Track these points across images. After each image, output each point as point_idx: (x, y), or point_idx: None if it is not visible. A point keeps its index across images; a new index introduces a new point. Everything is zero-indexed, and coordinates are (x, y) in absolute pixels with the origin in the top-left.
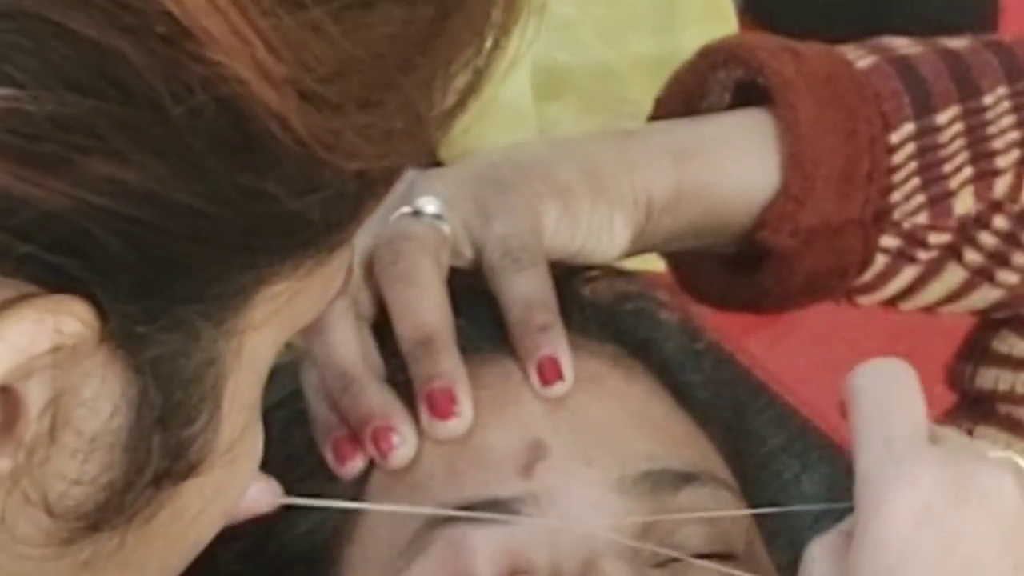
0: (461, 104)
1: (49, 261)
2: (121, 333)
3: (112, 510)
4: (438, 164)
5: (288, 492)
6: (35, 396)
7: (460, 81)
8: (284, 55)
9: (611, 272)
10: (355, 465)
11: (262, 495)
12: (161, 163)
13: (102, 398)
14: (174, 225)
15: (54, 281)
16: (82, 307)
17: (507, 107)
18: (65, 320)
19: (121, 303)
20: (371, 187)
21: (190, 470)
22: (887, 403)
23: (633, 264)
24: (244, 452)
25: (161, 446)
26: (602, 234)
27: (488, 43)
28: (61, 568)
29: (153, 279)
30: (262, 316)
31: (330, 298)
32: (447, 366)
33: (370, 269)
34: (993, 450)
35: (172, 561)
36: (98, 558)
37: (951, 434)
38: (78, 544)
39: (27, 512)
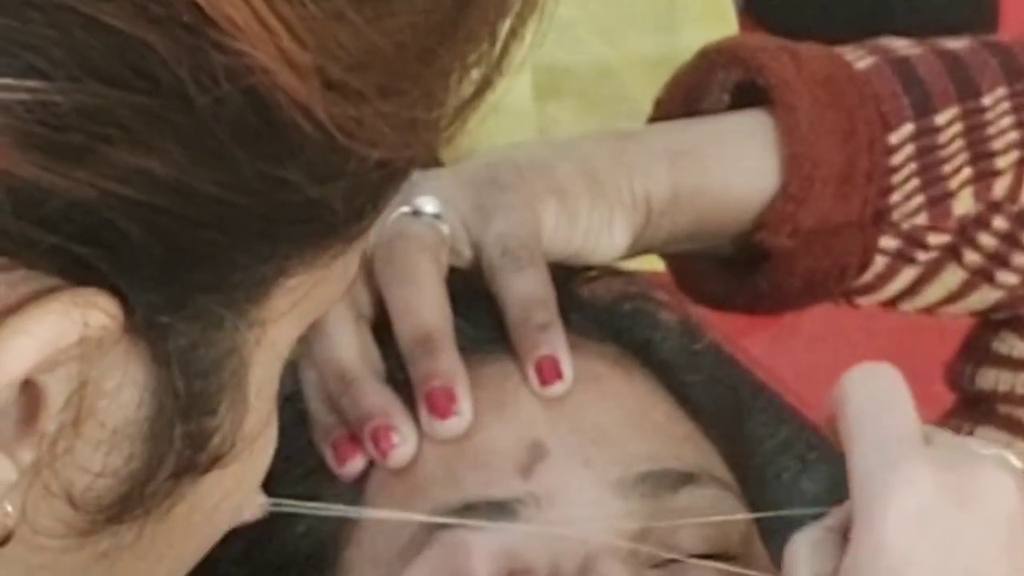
0: (478, 95)
1: (74, 252)
2: (145, 324)
3: (133, 502)
4: (438, 164)
5: (287, 493)
6: (58, 388)
7: (476, 72)
8: (308, 43)
9: (610, 272)
10: (355, 465)
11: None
12: (186, 152)
13: (125, 389)
14: (198, 214)
15: (79, 273)
16: (107, 299)
17: (507, 107)
18: (91, 313)
19: (145, 294)
20: (391, 177)
21: (213, 462)
22: (878, 406)
23: (633, 264)
24: (264, 444)
25: (183, 437)
26: (601, 234)
27: (504, 34)
28: (79, 559)
29: (176, 269)
30: (282, 306)
31: (346, 288)
32: (446, 365)
33: (369, 268)
34: (986, 447)
35: (188, 552)
36: (116, 549)
37: (943, 435)
38: (97, 535)
39: (48, 504)
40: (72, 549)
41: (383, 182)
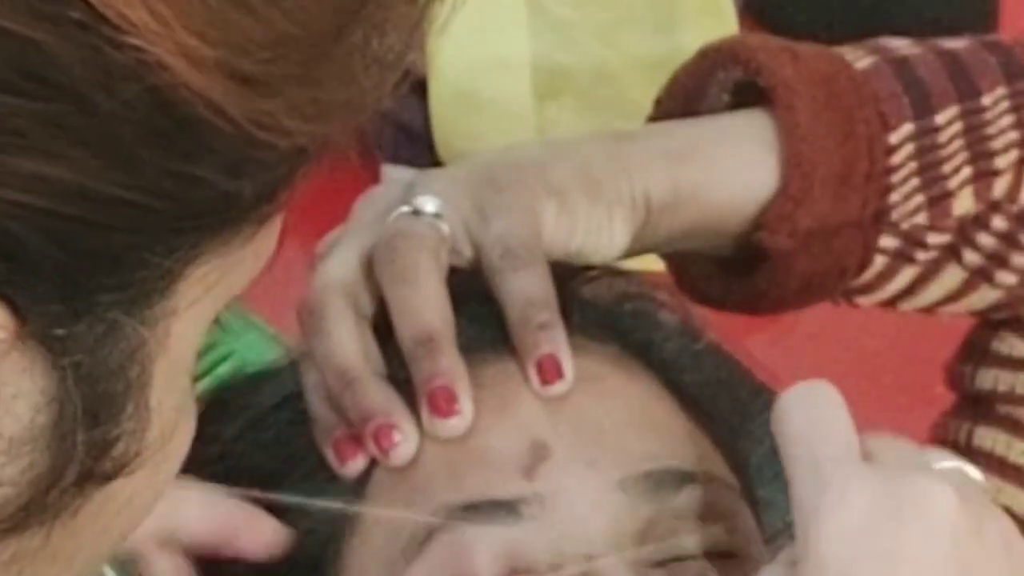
0: (397, 62)
1: None
2: (40, 333)
3: (35, 509)
4: (437, 164)
5: (289, 491)
6: None
7: (395, 39)
8: (210, 36)
9: (611, 272)
10: (356, 464)
11: (264, 537)
12: (87, 156)
13: (20, 398)
14: (104, 218)
15: None
16: None
17: (507, 107)
18: None
19: (41, 302)
20: (305, 157)
21: (118, 469)
22: (811, 426)
23: (633, 264)
24: (179, 439)
25: (85, 443)
26: (601, 234)
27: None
28: None
29: (78, 275)
30: (190, 297)
31: (262, 265)
32: (447, 365)
33: (370, 268)
34: (941, 460)
35: (102, 551)
36: (23, 555)
37: (895, 445)
38: (1, 544)
39: None
40: None
41: (296, 164)
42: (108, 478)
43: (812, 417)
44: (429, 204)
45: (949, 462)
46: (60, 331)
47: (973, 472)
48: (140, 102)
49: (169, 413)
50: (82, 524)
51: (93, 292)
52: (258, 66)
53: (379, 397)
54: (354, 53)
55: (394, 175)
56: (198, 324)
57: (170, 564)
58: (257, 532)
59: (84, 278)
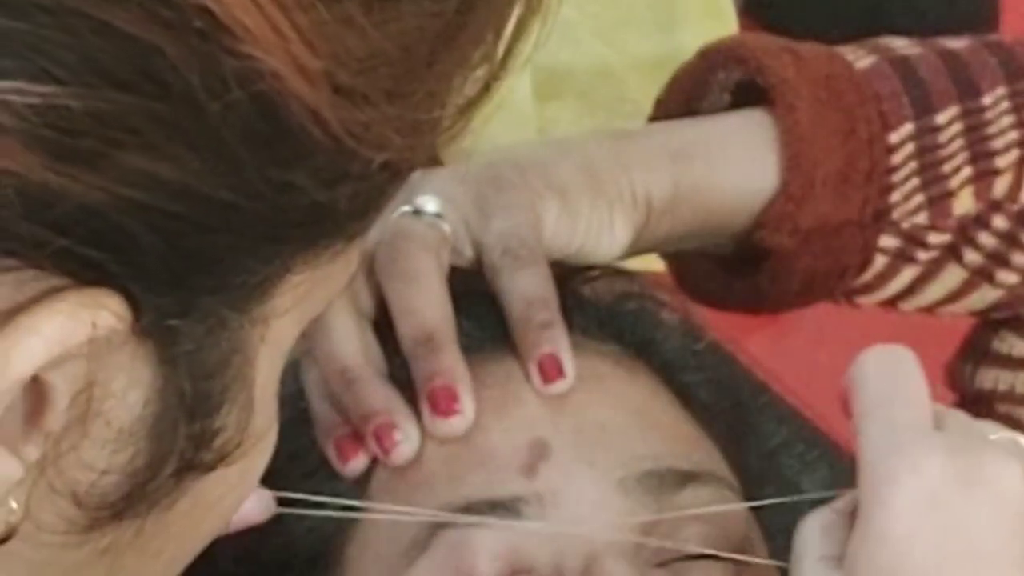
0: (481, 95)
1: (84, 255)
2: (152, 326)
3: (136, 499)
4: (439, 163)
5: (290, 491)
6: (64, 387)
7: (480, 72)
8: (319, 49)
9: (612, 272)
10: (357, 463)
11: (255, 505)
12: (195, 157)
13: (131, 389)
14: (206, 218)
15: (88, 275)
16: (115, 300)
17: (507, 107)
18: (99, 314)
19: (153, 297)
20: (395, 177)
21: (218, 460)
22: (890, 390)
23: (633, 264)
24: (267, 441)
25: (187, 436)
26: (602, 234)
27: (508, 34)
28: (81, 555)
29: (183, 271)
30: (285, 304)
31: (346, 283)
32: (448, 364)
33: (371, 267)
34: (996, 430)
35: (189, 545)
36: (117, 545)
37: (956, 415)
38: (99, 532)
39: (51, 500)
40: (74, 545)
41: (386, 182)
42: (208, 469)
43: (891, 380)
44: (430, 203)
45: (1004, 432)
46: (172, 321)
47: None
48: (247, 108)
49: (264, 416)
50: (175, 518)
51: (198, 290)
52: (357, 79)
53: (380, 396)
54: (444, 79)
55: None
56: (289, 332)
57: None
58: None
59: (190, 276)
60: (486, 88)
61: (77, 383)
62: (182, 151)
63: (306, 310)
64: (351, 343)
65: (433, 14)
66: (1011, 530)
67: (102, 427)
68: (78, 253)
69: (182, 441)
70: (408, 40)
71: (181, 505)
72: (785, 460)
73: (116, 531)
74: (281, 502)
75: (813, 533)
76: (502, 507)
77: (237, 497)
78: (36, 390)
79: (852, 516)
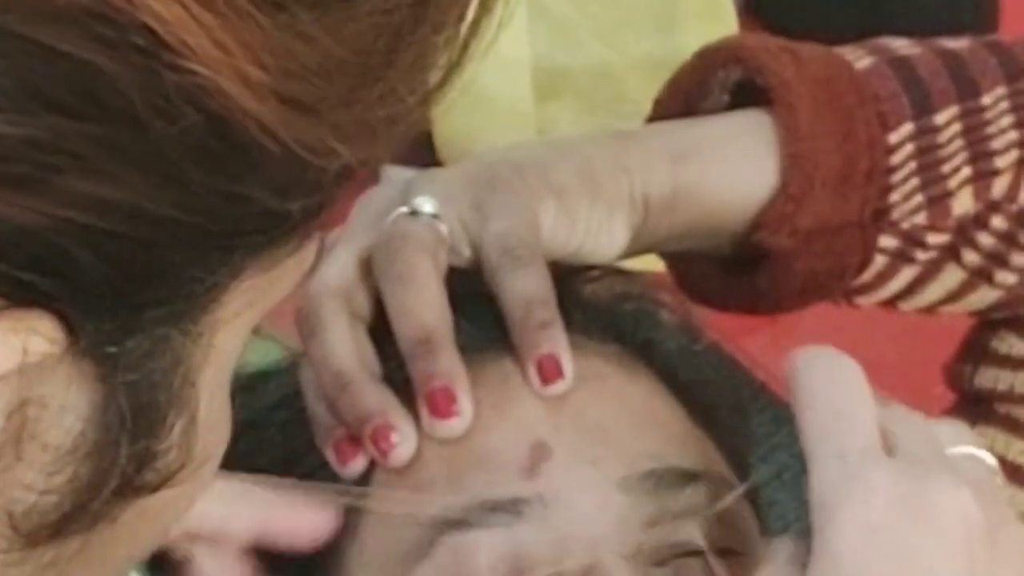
0: (444, 82)
1: (19, 278)
2: (90, 348)
3: (76, 518)
4: (437, 164)
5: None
6: None
7: (441, 58)
8: (266, 62)
9: (611, 272)
10: (357, 465)
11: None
12: (141, 177)
13: (67, 410)
14: (152, 236)
15: (22, 297)
16: (49, 323)
17: (507, 107)
18: (31, 339)
19: (91, 318)
20: (350, 176)
21: (163, 480)
22: (836, 411)
23: (633, 264)
24: (216, 447)
25: (129, 455)
26: (600, 234)
27: (470, 16)
28: (24, 572)
29: (126, 290)
30: (233, 309)
31: (297, 280)
32: (446, 365)
33: (366, 269)
34: (955, 442)
35: (136, 554)
36: (61, 560)
37: (907, 424)
38: (40, 549)
39: None
40: (15, 563)
41: (340, 182)
42: (152, 490)
43: (838, 397)
44: (427, 204)
45: (963, 447)
46: (111, 347)
47: (987, 457)
48: (195, 126)
49: (213, 424)
50: (120, 530)
51: (141, 307)
52: (309, 91)
53: (374, 399)
54: (404, 73)
55: (393, 175)
56: (238, 335)
57: (218, 563)
58: (302, 521)
59: (133, 294)
60: (449, 74)
61: (9, 405)
62: (126, 171)
63: (256, 311)
64: (345, 346)
65: (389, 10)
66: (960, 560)
67: (38, 449)
68: (11, 275)
69: (123, 461)
70: (363, 42)
71: (126, 517)
72: (784, 460)
73: (58, 546)
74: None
75: (779, 564)
76: (503, 508)
77: (186, 502)
78: None
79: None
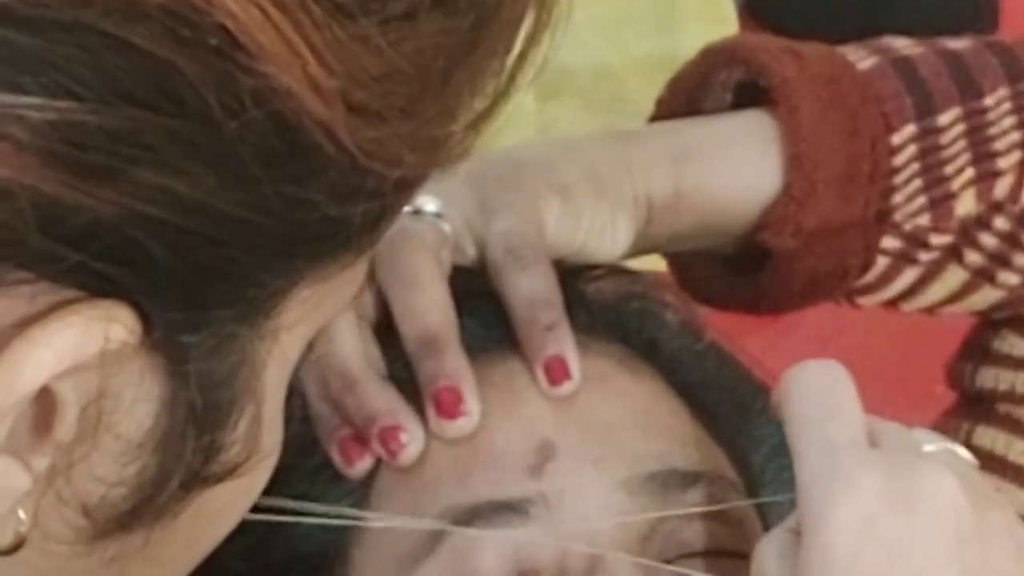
0: (492, 108)
1: (97, 269)
2: (163, 339)
3: (143, 511)
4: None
5: (293, 493)
6: (74, 399)
7: (491, 85)
8: (334, 67)
9: (616, 272)
10: (363, 465)
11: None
12: (210, 173)
13: (141, 401)
14: (219, 234)
15: (100, 288)
16: (127, 314)
17: (507, 107)
18: (111, 327)
19: (164, 310)
20: (407, 191)
21: (227, 472)
22: (824, 407)
23: (635, 265)
24: (274, 452)
25: (195, 448)
26: (604, 233)
27: (518, 48)
28: (87, 565)
29: (195, 285)
30: (294, 317)
31: (355, 295)
32: (452, 365)
33: (371, 269)
34: (932, 441)
35: (194, 553)
36: (123, 554)
37: (890, 430)
38: (106, 542)
39: (59, 511)
40: (81, 555)
41: (399, 196)
42: (217, 481)
43: (824, 398)
44: (430, 203)
45: (938, 443)
46: (184, 338)
47: (962, 452)
48: (262, 126)
49: (275, 423)
50: (180, 528)
51: (209, 304)
52: (371, 97)
53: (382, 399)
54: (457, 94)
55: None
56: (295, 346)
57: None
58: None
59: (202, 290)
60: (495, 102)
61: (87, 395)
62: (197, 168)
63: (312, 323)
64: (351, 345)
65: (448, 31)
66: (951, 547)
67: (111, 439)
68: (91, 267)
69: (190, 454)
70: (423, 58)
71: (187, 515)
72: (785, 460)
73: (122, 541)
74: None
75: (771, 558)
76: (509, 508)
77: (242, 506)
78: (46, 401)
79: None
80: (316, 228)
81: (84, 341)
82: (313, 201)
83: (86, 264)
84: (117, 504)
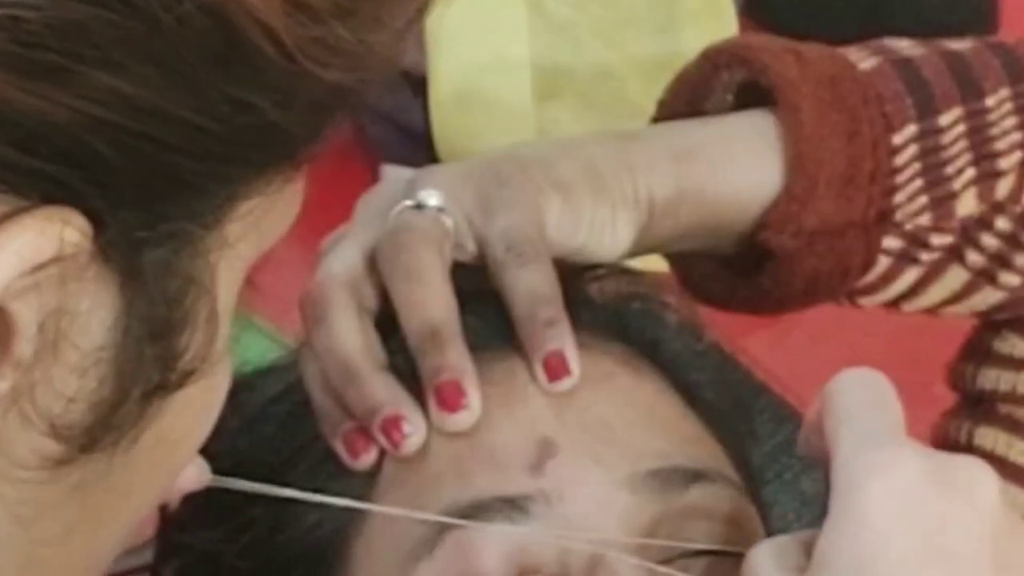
0: (418, 15)
1: (50, 173)
2: (116, 245)
3: (104, 428)
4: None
5: (294, 486)
6: (30, 314)
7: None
8: None
9: (617, 271)
10: (368, 458)
11: (192, 472)
12: (157, 74)
13: (95, 312)
14: (167, 136)
15: (54, 193)
16: (80, 217)
17: (507, 107)
18: (66, 230)
19: (118, 213)
20: (341, 100)
21: (183, 379)
22: (867, 405)
23: (636, 264)
24: (222, 374)
25: (152, 357)
26: (604, 232)
27: None
28: (54, 492)
29: (146, 189)
30: (235, 233)
31: (290, 223)
32: (454, 359)
33: (373, 263)
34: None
35: (154, 484)
36: (87, 482)
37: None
38: (69, 466)
39: (23, 433)
40: (47, 481)
41: (333, 105)
42: (175, 388)
43: (867, 397)
44: (432, 198)
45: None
46: (135, 239)
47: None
48: (202, 23)
49: (223, 337)
50: (141, 454)
51: (159, 212)
52: None
53: (384, 390)
54: (382, 4)
55: (394, 175)
56: (237, 269)
57: None
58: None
59: (151, 195)
60: (416, 16)
61: (44, 309)
62: (143, 68)
63: (252, 244)
64: (352, 337)
65: None
66: (987, 535)
67: (71, 352)
68: (44, 171)
69: (148, 363)
70: None
71: (147, 441)
72: (785, 460)
73: (85, 467)
74: (288, 498)
75: (767, 558)
76: (510, 505)
77: (199, 436)
78: (3, 322)
79: (808, 545)
80: (259, 134)
81: (39, 245)
82: (256, 106)
83: (39, 168)
84: (78, 421)
